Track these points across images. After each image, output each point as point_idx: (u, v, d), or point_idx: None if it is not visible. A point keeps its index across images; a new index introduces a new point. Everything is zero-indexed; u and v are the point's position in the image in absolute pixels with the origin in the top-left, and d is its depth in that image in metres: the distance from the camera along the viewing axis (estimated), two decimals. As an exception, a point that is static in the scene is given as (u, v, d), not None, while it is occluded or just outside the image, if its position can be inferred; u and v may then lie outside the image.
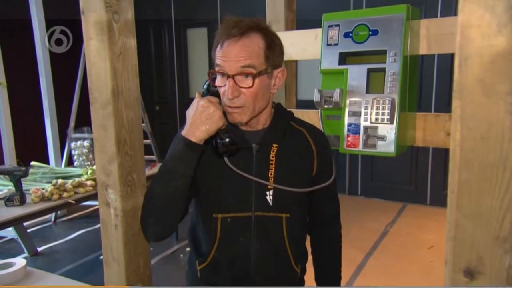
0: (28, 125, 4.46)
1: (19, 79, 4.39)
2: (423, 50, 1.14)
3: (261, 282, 0.98)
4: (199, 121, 0.89)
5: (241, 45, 0.88)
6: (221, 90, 0.92)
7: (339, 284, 1.13)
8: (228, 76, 0.89)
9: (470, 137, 0.52)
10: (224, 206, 0.96)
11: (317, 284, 1.13)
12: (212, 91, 0.94)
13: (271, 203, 0.96)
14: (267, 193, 0.96)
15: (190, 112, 0.92)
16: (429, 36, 1.13)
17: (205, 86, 0.97)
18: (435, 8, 3.79)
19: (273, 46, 0.92)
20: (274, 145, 0.97)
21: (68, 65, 4.28)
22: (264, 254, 0.97)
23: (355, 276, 2.72)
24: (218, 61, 0.90)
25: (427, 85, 3.94)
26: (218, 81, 0.93)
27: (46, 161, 3.87)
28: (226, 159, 0.93)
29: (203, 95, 0.95)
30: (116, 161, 0.88)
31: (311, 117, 1.30)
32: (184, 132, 0.90)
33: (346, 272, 2.74)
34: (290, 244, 0.99)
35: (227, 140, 0.90)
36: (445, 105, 3.88)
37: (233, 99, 0.90)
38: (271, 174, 0.95)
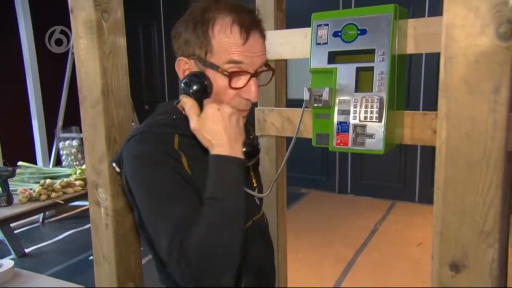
0: (14, 124, 4.39)
1: (5, 78, 4.33)
2: (410, 49, 1.16)
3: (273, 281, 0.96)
4: (235, 133, 0.74)
5: (262, 37, 0.78)
6: (233, 92, 0.78)
7: None
8: (253, 75, 0.78)
9: (455, 134, 0.53)
10: None
11: None
12: (195, 89, 0.78)
13: (258, 202, 0.94)
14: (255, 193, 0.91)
15: (215, 126, 0.73)
16: (417, 36, 1.14)
17: (196, 87, 0.78)
18: (423, 8, 3.84)
19: (264, 30, 0.83)
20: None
21: (55, 63, 4.23)
22: (268, 257, 0.94)
23: (345, 273, 2.75)
24: (239, 57, 0.75)
25: (415, 83, 3.99)
26: (235, 81, 0.78)
27: (33, 161, 3.82)
28: None
29: (195, 96, 0.78)
30: (107, 160, 0.88)
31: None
32: (227, 152, 0.72)
33: (336, 269, 2.78)
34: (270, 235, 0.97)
35: (257, 145, 0.79)
36: (433, 104, 3.94)
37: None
38: (252, 171, 0.92)
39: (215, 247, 0.68)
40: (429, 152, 3.99)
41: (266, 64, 0.81)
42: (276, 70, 1.42)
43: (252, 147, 0.78)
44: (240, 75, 0.77)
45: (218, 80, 0.77)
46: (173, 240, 0.69)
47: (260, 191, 0.93)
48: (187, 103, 0.77)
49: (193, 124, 0.74)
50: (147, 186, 0.74)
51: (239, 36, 0.74)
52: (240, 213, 0.71)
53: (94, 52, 0.84)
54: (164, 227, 0.71)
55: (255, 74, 0.77)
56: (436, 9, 3.76)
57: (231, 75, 0.76)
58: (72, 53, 3.67)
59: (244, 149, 0.76)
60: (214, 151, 0.72)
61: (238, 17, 0.75)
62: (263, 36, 0.80)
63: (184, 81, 0.78)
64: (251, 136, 0.79)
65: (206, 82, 0.77)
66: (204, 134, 0.74)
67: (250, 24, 0.75)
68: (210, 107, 0.74)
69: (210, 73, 0.77)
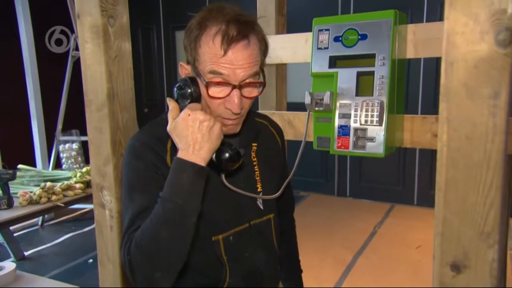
0: (13, 126, 4.39)
1: (5, 79, 4.33)
2: (410, 54, 1.18)
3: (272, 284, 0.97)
4: (202, 139, 0.74)
5: (249, 49, 0.76)
6: (216, 101, 0.79)
7: (300, 265, 1.16)
8: (235, 87, 0.77)
9: (456, 137, 0.54)
10: (223, 225, 0.86)
11: (281, 267, 1.10)
12: (179, 94, 0.80)
13: (262, 207, 0.92)
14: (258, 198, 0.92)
15: (183, 130, 0.75)
16: (416, 41, 1.16)
17: (180, 91, 0.81)
18: (421, 12, 3.87)
19: (266, 40, 0.82)
20: (253, 144, 0.92)
21: (55, 64, 4.24)
22: (268, 261, 0.94)
23: (344, 276, 2.76)
24: (219, 68, 0.75)
25: (414, 87, 4.01)
26: (215, 91, 0.78)
27: (33, 164, 3.81)
28: (223, 177, 0.83)
29: (179, 100, 0.81)
30: (112, 162, 0.89)
31: (302, 119, 1.33)
32: (187, 156, 0.73)
33: (335, 272, 2.79)
34: (276, 242, 0.97)
35: (236, 151, 0.78)
36: (431, 107, 3.96)
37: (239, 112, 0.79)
38: (257, 176, 0.92)
39: (150, 244, 0.72)
40: (428, 155, 4.01)
41: (262, 73, 0.82)
42: (277, 74, 1.45)
43: (227, 155, 0.78)
44: (221, 85, 0.77)
45: (202, 88, 0.80)
46: (127, 230, 0.76)
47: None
48: (170, 106, 0.81)
49: (168, 126, 0.78)
50: (126, 177, 0.81)
51: (220, 47, 0.74)
52: (181, 216, 0.72)
53: (100, 57, 0.86)
54: (126, 217, 0.78)
55: (237, 86, 0.76)
56: (434, 14, 3.79)
57: (207, 85, 0.77)
58: (73, 56, 3.68)
59: (216, 156, 0.78)
60: (178, 153, 0.75)
61: (225, 28, 0.74)
62: (254, 48, 0.78)
63: (175, 84, 0.82)
64: (230, 145, 0.80)
65: (190, 88, 0.79)
66: (174, 137, 0.77)
67: (236, 35, 0.74)
68: (184, 112, 0.77)
69: (199, 80, 0.80)
